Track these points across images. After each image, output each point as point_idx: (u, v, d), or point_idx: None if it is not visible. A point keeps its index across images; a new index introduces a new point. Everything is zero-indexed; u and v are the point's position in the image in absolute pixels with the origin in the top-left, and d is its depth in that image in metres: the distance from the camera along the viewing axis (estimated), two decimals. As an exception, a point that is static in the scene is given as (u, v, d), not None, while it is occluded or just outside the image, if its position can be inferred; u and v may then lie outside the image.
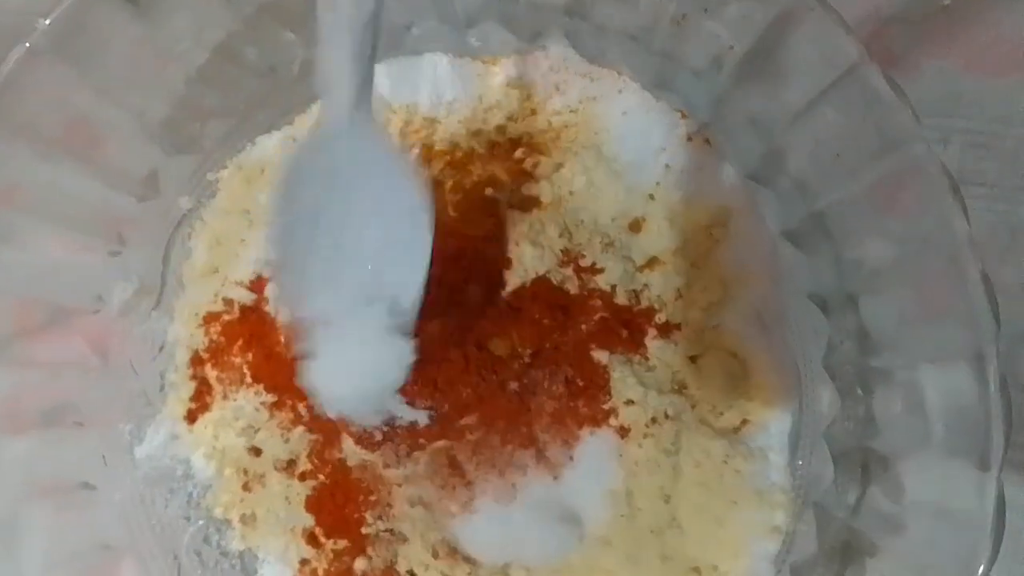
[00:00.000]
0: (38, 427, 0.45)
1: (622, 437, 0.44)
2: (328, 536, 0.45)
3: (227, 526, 0.48)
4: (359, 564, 0.44)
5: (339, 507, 0.45)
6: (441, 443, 0.43)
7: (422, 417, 0.41)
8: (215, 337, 0.48)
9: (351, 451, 0.44)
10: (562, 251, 0.44)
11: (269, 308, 0.47)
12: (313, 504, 0.46)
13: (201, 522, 0.49)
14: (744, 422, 0.44)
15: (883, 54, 0.48)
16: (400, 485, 0.44)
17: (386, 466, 0.43)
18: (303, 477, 0.46)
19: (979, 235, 0.48)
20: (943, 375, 0.35)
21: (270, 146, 0.49)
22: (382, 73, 0.47)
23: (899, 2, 0.49)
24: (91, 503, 0.46)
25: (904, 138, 0.34)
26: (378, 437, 0.42)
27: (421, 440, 0.43)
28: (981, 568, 0.32)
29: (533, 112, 0.46)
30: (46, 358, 0.46)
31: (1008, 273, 0.47)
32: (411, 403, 0.41)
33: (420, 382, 0.41)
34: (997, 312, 0.33)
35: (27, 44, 0.40)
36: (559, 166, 0.45)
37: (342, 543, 0.45)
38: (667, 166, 0.44)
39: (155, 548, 0.47)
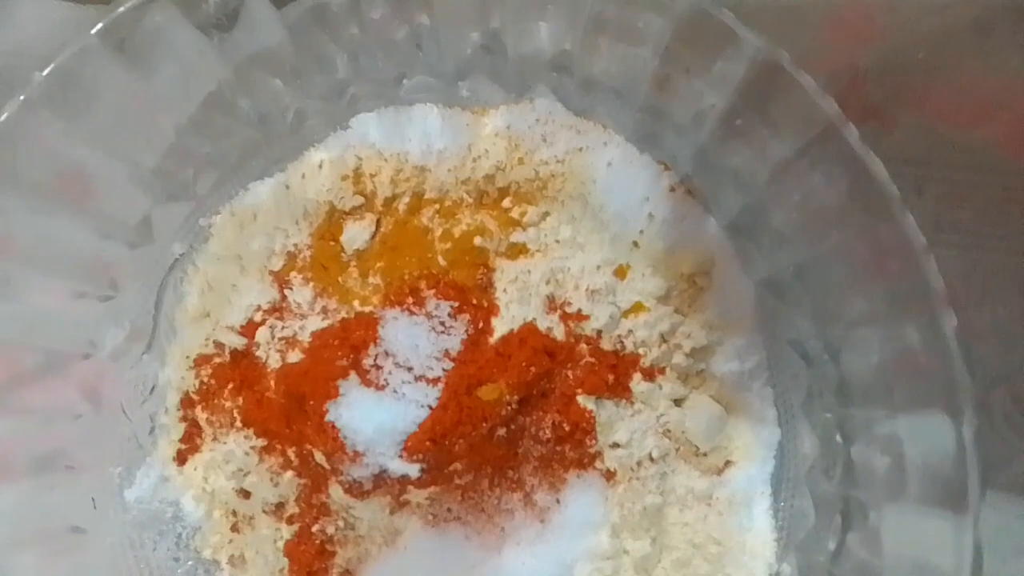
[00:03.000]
0: (29, 474, 0.45)
1: (608, 480, 0.45)
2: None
3: (216, 567, 0.49)
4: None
5: (310, 555, 0.45)
6: (430, 490, 0.43)
7: (413, 470, 0.42)
8: (205, 380, 0.49)
9: (339, 498, 0.44)
10: (549, 298, 0.45)
11: (260, 353, 0.47)
12: (291, 548, 0.46)
13: (190, 563, 0.49)
14: (727, 464, 0.45)
15: (861, 105, 0.49)
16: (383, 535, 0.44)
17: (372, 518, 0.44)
18: (291, 520, 0.46)
19: (954, 281, 0.49)
20: (921, 427, 0.36)
21: (263, 192, 0.49)
22: (373, 122, 0.48)
23: (876, 55, 0.50)
24: (81, 547, 0.46)
25: (877, 199, 0.35)
26: (367, 487, 0.43)
27: (411, 488, 0.43)
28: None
29: (521, 162, 0.47)
30: (37, 405, 0.46)
31: (982, 318, 0.48)
32: (402, 456, 0.41)
33: (414, 434, 0.41)
34: (972, 366, 0.34)
35: (22, 97, 0.41)
36: (546, 215, 0.46)
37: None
38: (651, 216, 0.45)
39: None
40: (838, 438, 0.41)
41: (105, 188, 0.46)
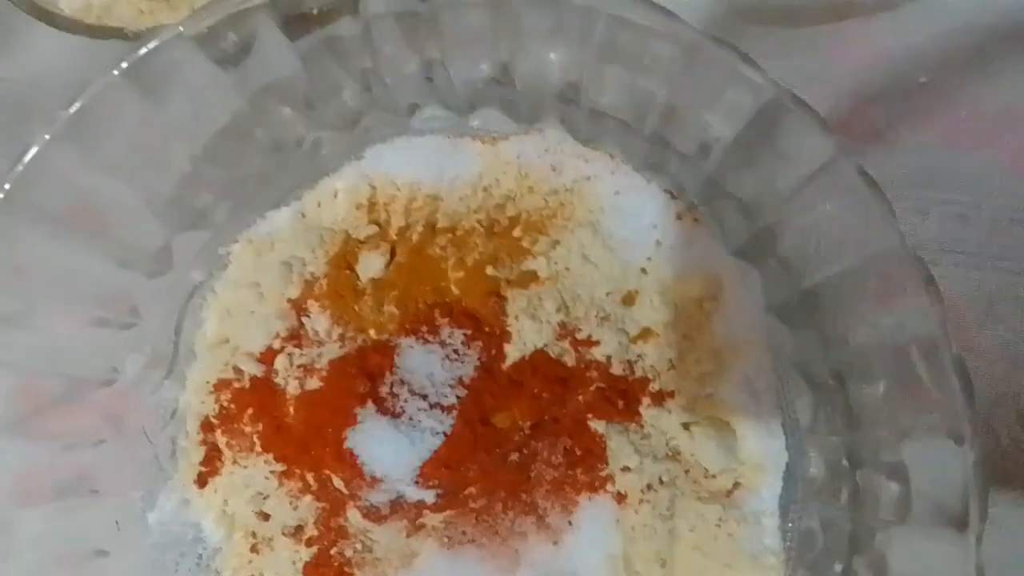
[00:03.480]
0: (53, 499, 0.46)
1: (619, 503, 0.45)
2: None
3: (236, 588, 0.50)
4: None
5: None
6: (445, 514, 0.44)
7: (429, 496, 0.43)
8: (225, 404, 0.50)
9: (356, 521, 0.45)
10: (559, 325, 0.46)
11: (279, 380, 0.48)
12: (310, 570, 0.47)
13: (210, 584, 0.50)
14: (736, 486, 0.46)
15: (865, 129, 0.50)
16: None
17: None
18: (310, 543, 0.47)
19: (958, 302, 0.50)
20: (925, 453, 0.37)
21: (279, 220, 0.50)
22: (387, 152, 0.49)
23: (879, 80, 0.51)
24: (104, 570, 0.47)
25: (878, 231, 0.36)
26: (385, 511, 0.44)
27: (426, 512, 0.44)
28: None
29: (531, 191, 0.48)
30: (61, 432, 0.47)
31: (986, 338, 0.49)
32: (418, 482, 0.42)
33: (429, 461, 0.43)
34: (972, 393, 0.35)
35: (48, 136, 0.42)
36: (556, 243, 0.47)
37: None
38: (658, 242, 0.46)
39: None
40: (844, 462, 0.41)
41: (123, 218, 0.46)
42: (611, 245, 0.47)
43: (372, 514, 0.44)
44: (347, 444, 0.43)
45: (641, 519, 0.45)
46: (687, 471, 0.46)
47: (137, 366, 0.50)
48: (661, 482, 0.45)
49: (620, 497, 0.45)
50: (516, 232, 0.47)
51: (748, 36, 0.40)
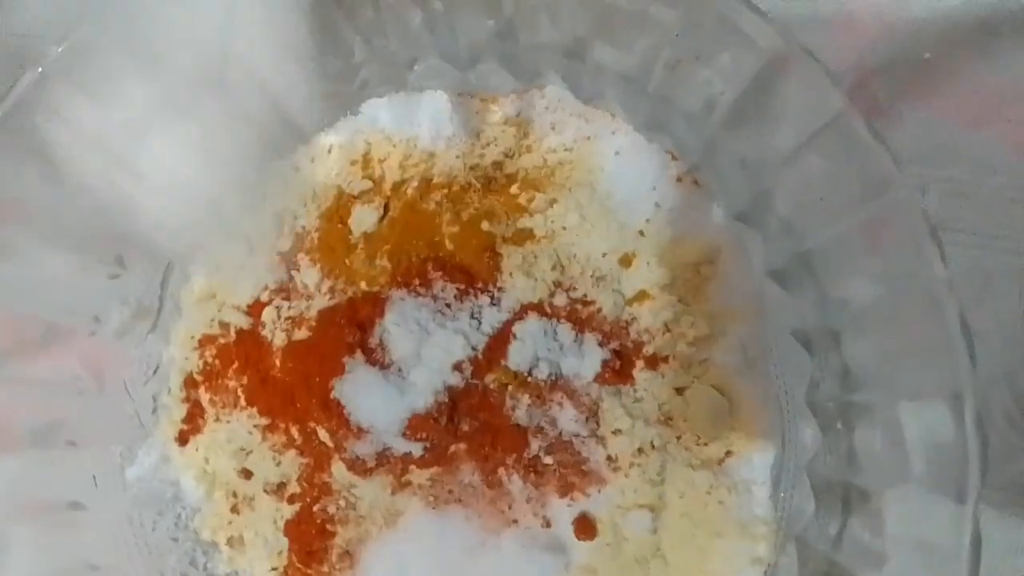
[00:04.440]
0: (29, 444, 0.46)
1: (610, 465, 0.45)
2: (301, 562, 0.46)
3: (214, 549, 0.49)
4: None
5: (311, 534, 0.45)
6: (432, 471, 0.43)
7: (416, 449, 0.42)
8: (209, 360, 0.49)
9: (341, 476, 0.44)
10: (554, 283, 0.46)
11: (266, 333, 0.47)
12: (291, 528, 0.46)
13: (188, 544, 0.49)
14: (728, 454, 0.45)
15: (867, 104, 0.50)
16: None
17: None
18: (292, 500, 0.46)
19: (956, 279, 0.49)
20: (922, 412, 0.36)
21: (272, 174, 0.49)
22: (384, 107, 0.48)
23: (883, 54, 0.51)
24: (80, 523, 0.46)
25: (885, 184, 0.35)
26: (370, 463, 0.43)
27: (412, 467, 0.43)
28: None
29: (529, 149, 0.47)
30: (40, 376, 0.47)
31: (983, 316, 0.48)
32: (406, 435, 0.42)
33: (418, 414, 0.42)
34: (973, 351, 0.34)
35: (39, 69, 0.41)
36: (553, 202, 0.47)
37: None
38: (657, 205, 0.46)
39: (141, 569, 0.47)
40: (839, 425, 0.41)
41: None
42: (609, 206, 0.46)
43: (357, 466, 0.43)
44: (334, 394, 0.42)
45: (631, 484, 0.44)
46: (679, 437, 0.45)
47: (121, 318, 0.49)
48: (652, 446, 0.44)
49: (610, 460, 0.44)
50: (513, 189, 0.47)
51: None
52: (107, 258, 0.48)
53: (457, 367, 0.43)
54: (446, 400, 0.42)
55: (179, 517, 0.49)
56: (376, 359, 0.43)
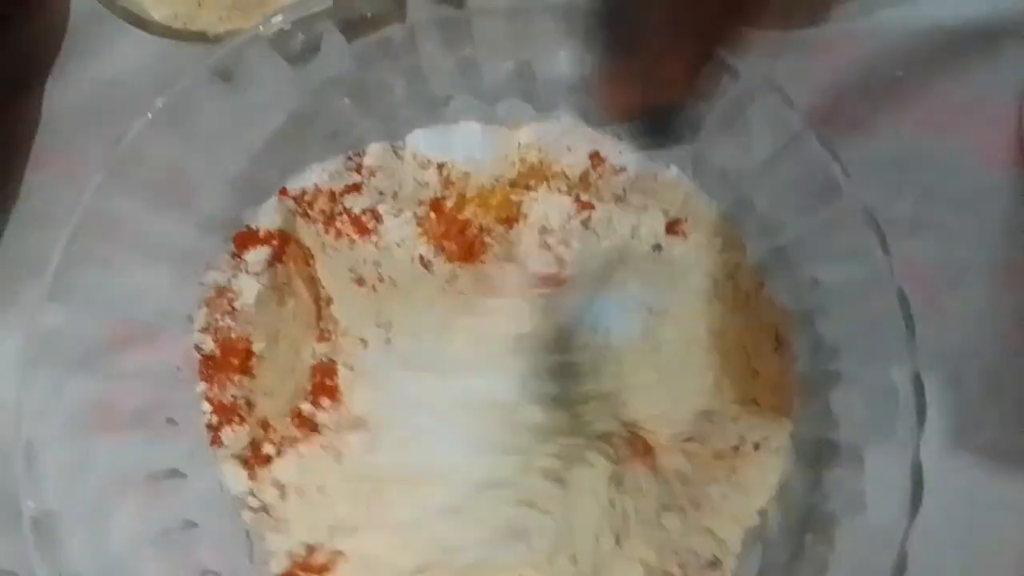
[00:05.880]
0: (132, 425, 0.51)
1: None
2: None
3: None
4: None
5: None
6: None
7: None
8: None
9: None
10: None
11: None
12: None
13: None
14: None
15: (846, 120, 0.57)
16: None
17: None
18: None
19: (931, 270, 0.56)
20: (878, 374, 0.43)
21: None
22: (426, 137, 0.57)
23: (858, 74, 0.57)
24: (180, 488, 0.51)
25: (837, 188, 0.43)
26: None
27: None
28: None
29: (548, 167, 0.56)
30: (142, 369, 0.52)
31: (956, 300, 0.54)
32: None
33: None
34: (911, 321, 0.41)
35: (149, 115, 0.50)
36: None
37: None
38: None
39: (228, 525, 0.53)
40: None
41: (204, 189, 0.54)
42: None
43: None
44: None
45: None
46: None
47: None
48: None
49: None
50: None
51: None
52: (198, 267, 0.55)
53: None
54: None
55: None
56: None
